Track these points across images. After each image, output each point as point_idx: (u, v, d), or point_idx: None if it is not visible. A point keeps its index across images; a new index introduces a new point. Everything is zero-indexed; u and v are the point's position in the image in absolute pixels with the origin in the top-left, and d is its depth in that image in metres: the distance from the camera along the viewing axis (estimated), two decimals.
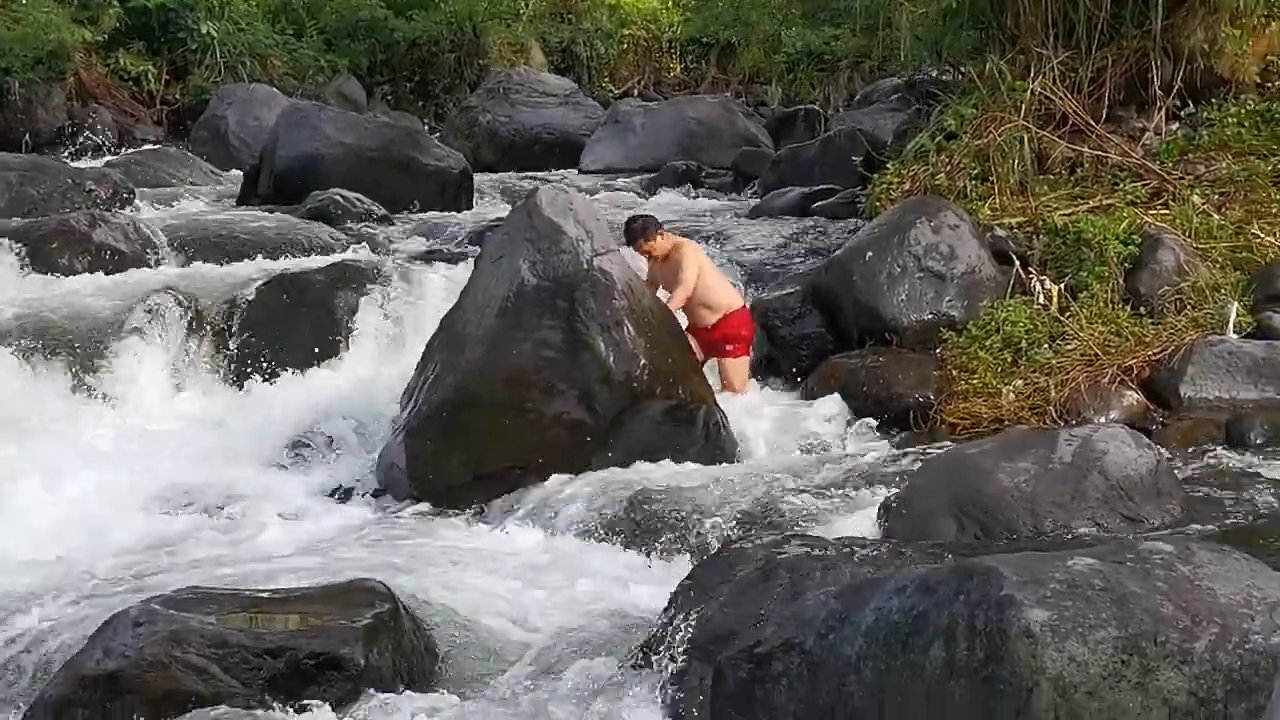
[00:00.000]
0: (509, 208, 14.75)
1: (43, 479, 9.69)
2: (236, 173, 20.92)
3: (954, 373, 10.85)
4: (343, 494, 9.97)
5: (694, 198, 19.69)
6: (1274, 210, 12.02)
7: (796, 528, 8.05)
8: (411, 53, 33.23)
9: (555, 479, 9.43)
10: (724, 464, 9.60)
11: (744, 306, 11.34)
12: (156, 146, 24.98)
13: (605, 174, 22.78)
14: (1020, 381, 10.62)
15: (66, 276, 12.98)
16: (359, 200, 16.48)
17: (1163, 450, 8.74)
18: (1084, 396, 10.33)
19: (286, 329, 12.08)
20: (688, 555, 8.22)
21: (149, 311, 11.84)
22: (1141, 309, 11.15)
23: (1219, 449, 9.67)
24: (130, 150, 24.64)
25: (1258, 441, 9.70)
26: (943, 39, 15.21)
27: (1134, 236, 11.60)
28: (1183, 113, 13.42)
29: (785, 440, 10.33)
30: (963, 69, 14.69)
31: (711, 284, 11.10)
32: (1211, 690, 4.56)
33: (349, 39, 32.96)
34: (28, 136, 25.56)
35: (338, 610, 6.62)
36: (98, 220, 13.80)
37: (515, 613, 7.43)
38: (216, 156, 23.34)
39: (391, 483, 9.88)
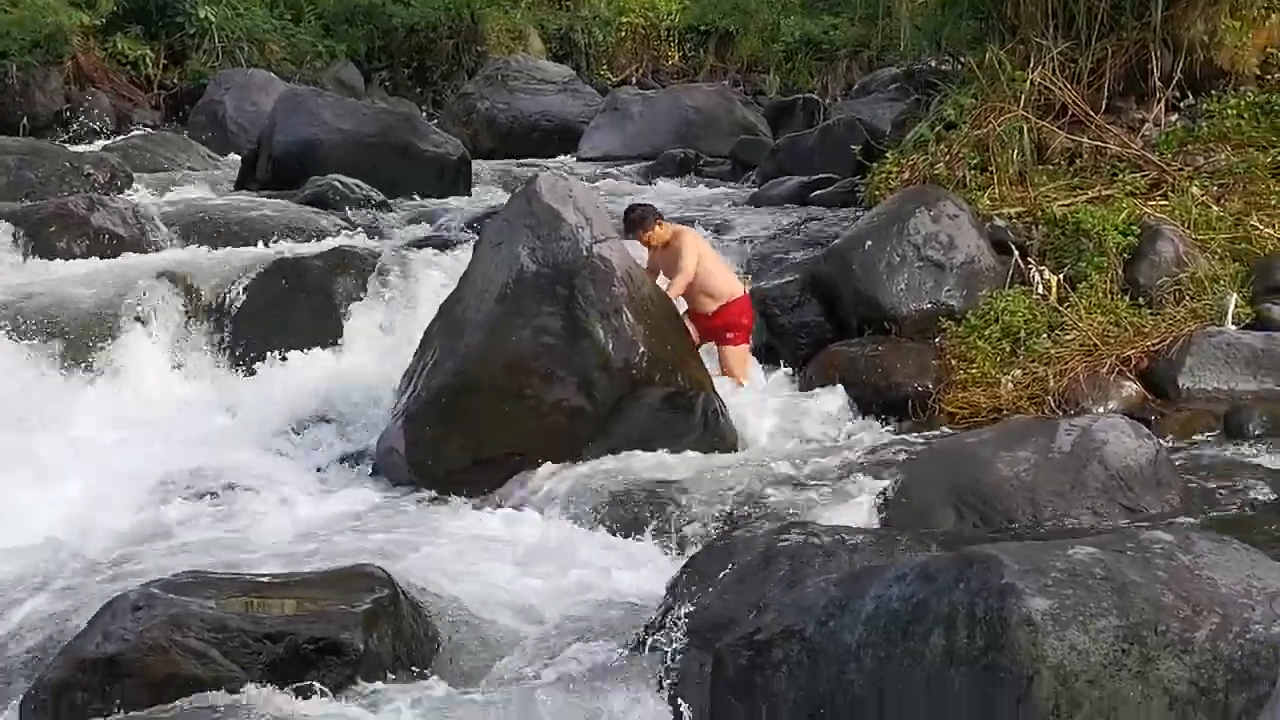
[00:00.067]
0: (507, 195, 14.73)
1: (41, 464, 9.68)
2: (234, 158, 20.89)
3: (953, 362, 10.86)
4: (341, 479, 9.98)
5: (694, 186, 19.66)
6: (1273, 202, 12.04)
7: (795, 515, 8.04)
8: (409, 39, 33.17)
9: (554, 465, 9.44)
10: (722, 452, 9.60)
11: (745, 295, 11.33)
12: (154, 131, 24.91)
13: (603, 162, 22.75)
14: (1019, 371, 10.63)
15: (65, 260, 12.96)
16: (357, 186, 16.44)
17: (1162, 441, 8.75)
18: (1083, 387, 10.33)
19: (285, 314, 12.06)
20: (687, 542, 8.23)
21: (147, 296, 11.82)
22: (1140, 300, 11.16)
23: (1217, 440, 9.68)
24: (128, 134, 24.57)
25: (1256, 432, 9.70)
26: (942, 29, 15.21)
27: (1133, 227, 11.62)
28: (1182, 104, 13.43)
29: (784, 428, 10.32)
30: (962, 59, 14.70)
31: (712, 271, 11.09)
32: (1212, 680, 4.56)
33: (347, 24, 32.90)
34: (25, 120, 25.51)
35: (337, 595, 6.63)
36: (96, 204, 13.77)
37: (514, 598, 7.44)
38: (214, 141, 23.30)
39: (390, 468, 9.88)
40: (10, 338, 11.17)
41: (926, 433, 10.18)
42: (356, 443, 10.46)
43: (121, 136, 24.39)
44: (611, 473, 9.20)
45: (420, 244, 13.76)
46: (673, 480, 8.97)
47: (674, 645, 6.32)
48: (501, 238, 10.31)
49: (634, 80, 35.34)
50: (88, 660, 6.23)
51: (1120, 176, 12.56)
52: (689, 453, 9.48)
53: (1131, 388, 10.42)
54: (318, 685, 6.17)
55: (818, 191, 16.37)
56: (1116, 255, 11.41)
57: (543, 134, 25.38)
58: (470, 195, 18.24)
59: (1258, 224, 11.76)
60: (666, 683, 6.15)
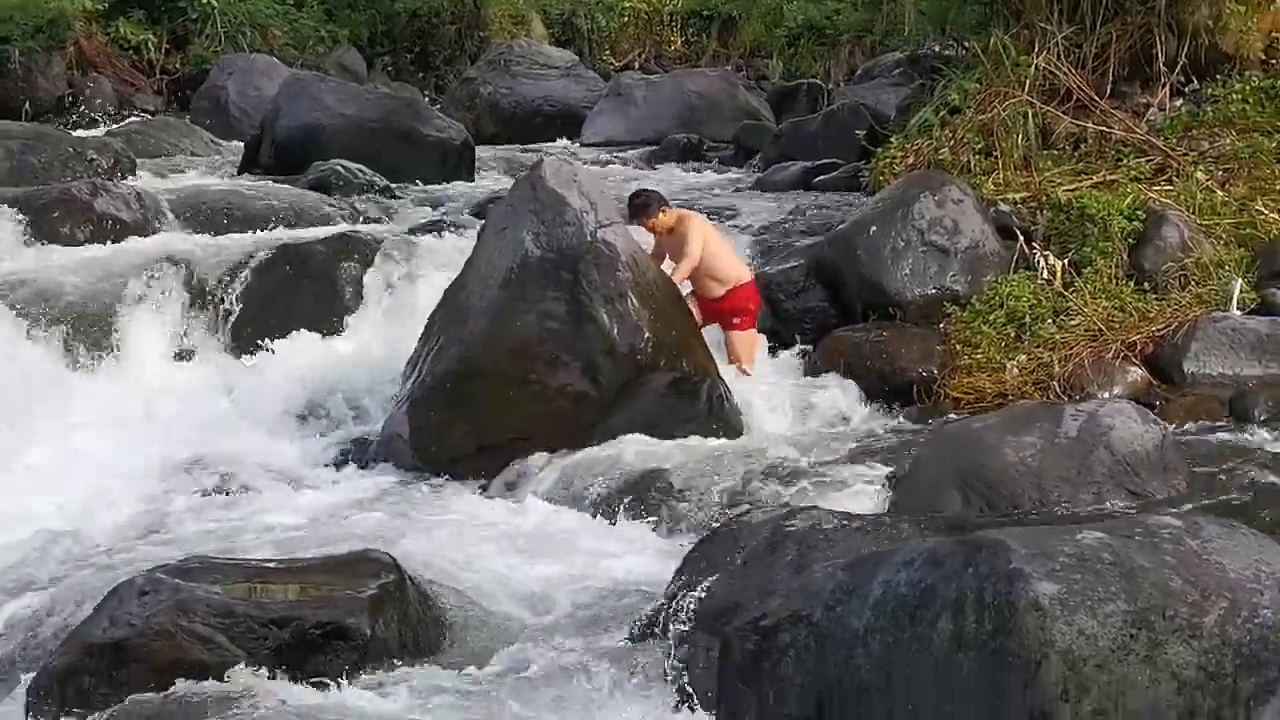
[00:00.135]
0: (510, 180, 14.71)
1: (45, 448, 9.70)
2: (237, 143, 20.83)
3: (957, 347, 10.84)
4: (346, 464, 9.98)
5: (699, 172, 19.63)
6: (1278, 187, 12.01)
7: (801, 501, 8.03)
8: (412, 24, 33.07)
9: (558, 451, 9.43)
10: (727, 437, 9.59)
11: (752, 280, 11.30)
12: (156, 116, 24.87)
13: (606, 147, 22.72)
14: (1024, 356, 10.62)
15: (68, 246, 12.92)
16: (360, 171, 16.41)
17: (1167, 426, 8.74)
18: (1087, 372, 10.33)
19: (289, 300, 12.05)
20: (693, 528, 8.23)
21: (151, 281, 11.81)
22: (1145, 285, 11.15)
23: (1223, 425, 9.68)
24: (131, 120, 24.53)
25: (1261, 417, 9.71)
26: (946, 13, 15.17)
27: (1138, 212, 11.59)
28: (1187, 89, 13.41)
29: (788, 414, 10.31)
30: (966, 43, 14.66)
31: (718, 255, 11.05)
32: (1220, 664, 4.56)
33: (349, 9, 32.81)
34: (28, 105, 25.43)
35: (343, 580, 6.64)
36: (99, 189, 13.74)
37: (520, 584, 7.45)
38: (217, 126, 23.23)
39: (394, 453, 9.88)
40: (13, 323, 11.16)
41: (931, 418, 10.17)
42: (361, 429, 10.46)
43: (124, 122, 24.33)
44: (616, 458, 9.19)
45: (424, 229, 13.74)
46: (677, 466, 8.96)
47: (681, 630, 6.32)
48: (506, 223, 10.30)
49: (637, 65, 35.26)
50: (94, 645, 6.24)
51: (1125, 161, 12.54)
52: (694, 438, 9.47)
53: (1137, 373, 10.41)
54: (324, 670, 6.19)
55: (822, 177, 16.33)
56: (1121, 240, 11.40)
57: (545, 119, 25.31)
58: (474, 180, 18.21)
59: (1263, 209, 11.75)
60: (673, 668, 6.15)
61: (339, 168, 16.35)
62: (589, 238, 9.91)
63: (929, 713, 4.80)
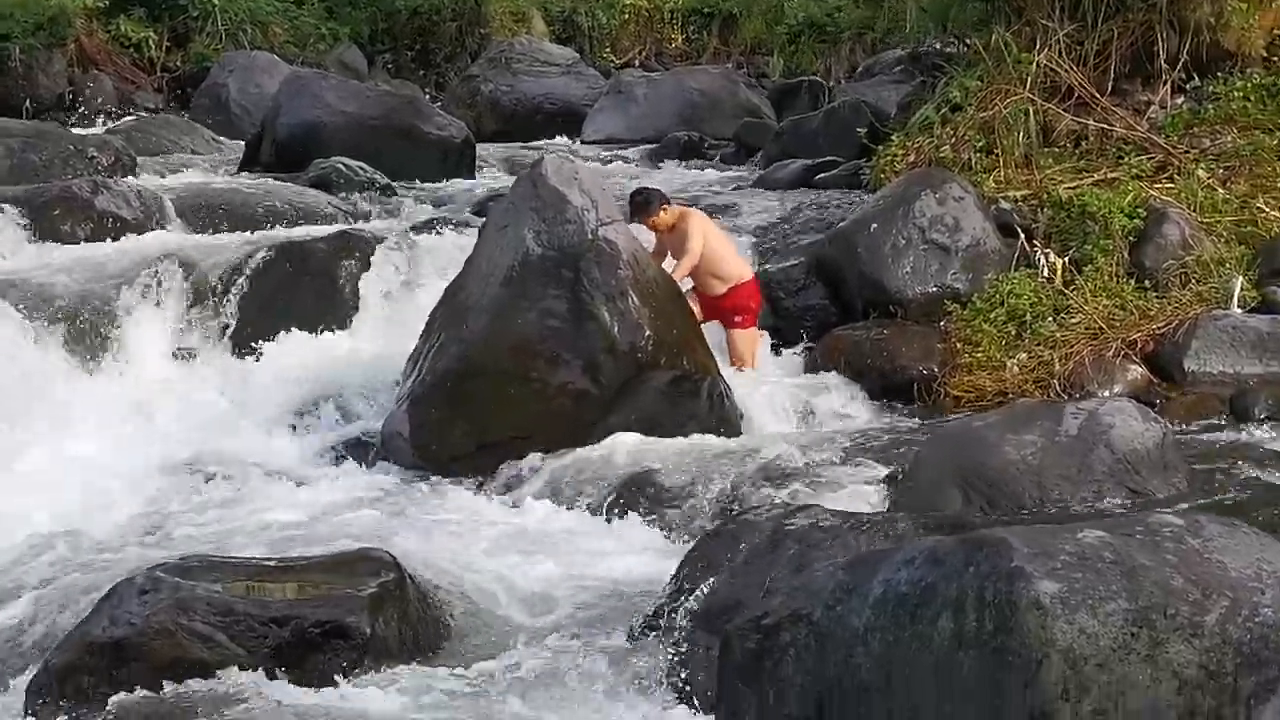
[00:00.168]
0: (511, 177, 14.70)
1: (45, 447, 9.68)
2: (238, 141, 20.83)
3: (958, 345, 10.85)
4: (346, 462, 9.96)
5: (700, 169, 19.60)
6: (1279, 185, 11.99)
7: (802, 499, 8.03)
8: (412, 21, 33.03)
9: (559, 449, 9.41)
10: (728, 435, 9.59)
11: (753, 278, 11.30)
12: (157, 114, 24.86)
13: (607, 144, 22.71)
14: (1024, 354, 10.63)
15: (68, 244, 12.90)
16: (361, 169, 16.39)
17: (1168, 424, 8.73)
18: (1088, 370, 10.33)
19: (290, 297, 12.03)
20: (693, 526, 8.22)
21: (152, 279, 11.80)
22: (1146, 283, 11.15)
23: (1223, 423, 9.68)
24: (132, 117, 24.51)
25: (1262, 416, 9.72)
26: (948, 10, 15.15)
27: (1139, 210, 11.59)
28: (1188, 86, 13.39)
29: (789, 412, 10.31)
30: (968, 41, 14.64)
31: (720, 253, 11.05)
32: (1221, 663, 4.55)
33: (350, 7, 32.77)
34: (28, 103, 25.39)
35: (343, 579, 6.62)
36: (100, 187, 13.72)
37: (520, 583, 7.44)
38: (218, 124, 23.21)
39: (395, 452, 9.88)
40: (14, 321, 11.14)
41: (931, 416, 10.17)
42: (361, 427, 10.44)
43: (124, 120, 24.31)
44: (617, 456, 9.19)
45: (425, 227, 13.72)
46: (678, 465, 8.95)
47: (681, 629, 6.31)
48: (506, 220, 10.29)
49: (637, 63, 35.22)
50: (94, 644, 6.23)
51: (1126, 159, 12.53)
52: (694, 436, 9.48)
53: (1137, 371, 10.41)
54: (324, 669, 6.18)
55: (822, 174, 16.29)
56: (1122, 238, 11.40)
57: (546, 117, 25.29)
58: (474, 178, 18.19)
59: (1264, 207, 11.75)
60: (673, 666, 6.15)
61: (340, 165, 16.32)
62: (590, 236, 9.90)
63: (929, 712, 4.79)
